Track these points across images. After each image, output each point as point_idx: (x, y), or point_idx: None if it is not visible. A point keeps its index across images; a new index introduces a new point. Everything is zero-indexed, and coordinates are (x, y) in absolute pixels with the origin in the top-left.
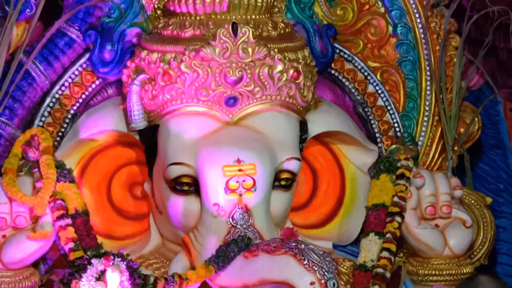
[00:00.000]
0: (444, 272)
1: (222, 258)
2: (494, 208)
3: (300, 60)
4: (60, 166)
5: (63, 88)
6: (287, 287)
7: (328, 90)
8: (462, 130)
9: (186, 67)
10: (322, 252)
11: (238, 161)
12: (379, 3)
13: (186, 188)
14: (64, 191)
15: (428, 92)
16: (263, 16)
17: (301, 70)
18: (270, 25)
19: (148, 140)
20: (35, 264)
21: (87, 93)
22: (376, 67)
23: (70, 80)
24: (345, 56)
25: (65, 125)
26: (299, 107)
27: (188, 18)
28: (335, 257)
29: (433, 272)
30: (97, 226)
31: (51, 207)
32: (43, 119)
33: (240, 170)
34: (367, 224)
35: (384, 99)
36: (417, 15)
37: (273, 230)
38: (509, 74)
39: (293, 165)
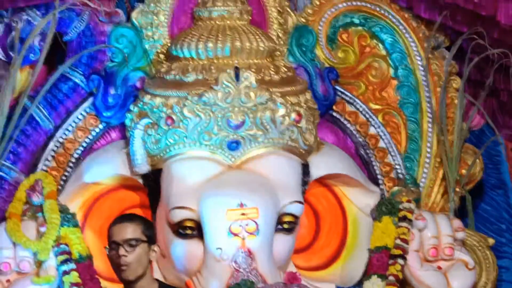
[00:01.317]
0: None
1: None
2: (496, 248)
3: (302, 104)
4: (63, 210)
5: (66, 132)
6: None
7: (330, 132)
8: (463, 171)
9: (189, 112)
10: None
11: (241, 205)
12: (380, 45)
13: (189, 232)
14: (67, 236)
15: (429, 134)
16: (265, 60)
17: (303, 113)
18: (272, 69)
19: (151, 184)
20: None
21: (90, 137)
22: (377, 109)
23: (74, 124)
24: (347, 98)
25: (68, 169)
26: (301, 150)
27: (190, 62)
28: None
29: None
30: (100, 270)
31: (55, 252)
32: (46, 163)
33: (243, 214)
34: (369, 266)
35: (386, 141)
36: (418, 58)
37: (276, 273)
38: (510, 115)
39: (295, 209)
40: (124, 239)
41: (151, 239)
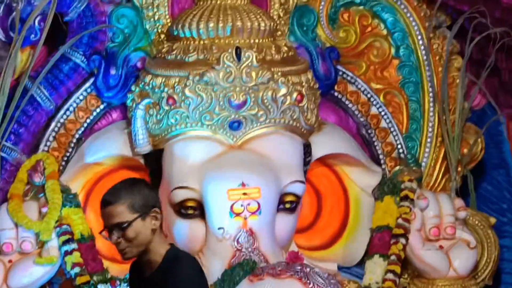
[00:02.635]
0: None
1: (227, 282)
2: (498, 228)
3: (303, 83)
4: (65, 191)
5: (68, 112)
6: None
7: (332, 112)
8: (465, 151)
9: (190, 92)
10: (327, 274)
11: (243, 184)
12: (382, 25)
13: (191, 212)
14: (69, 216)
15: (431, 114)
16: (266, 40)
17: (304, 93)
18: (274, 48)
19: (153, 164)
20: None
21: (91, 117)
22: (379, 88)
23: (75, 105)
24: (348, 78)
25: (70, 150)
26: (302, 130)
27: (192, 42)
28: (340, 279)
29: None
30: (102, 250)
31: (57, 232)
32: (48, 143)
33: (244, 193)
34: (371, 246)
35: (387, 120)
36: (419, 37)
37: (278, 253)
38: (511, 94)
39: (297, 188)
40: (112, 225)
41: (144, 209)
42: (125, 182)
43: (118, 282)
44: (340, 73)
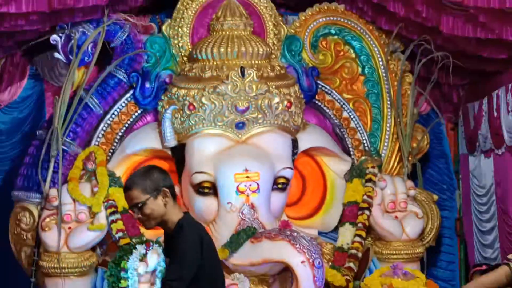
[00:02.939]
0: (402, 252)
1: (234, 244)
2: (439, 203)
3: (292, 94)
4: (111, 175)
5: (113, 116)
6: (283, 265)
7: (313, 116)
8: (414, 145)
9: (206, 100)
10: (310, 238)
11: (246, 170)
12: (351, 50)
13: (207, 190)
14: (114, 194)
15: (388, 117)
16: (264, 61)
17: (292, 101)
18: (269, 68)
19: (177, 155)
20: (93, 249)
21: (131, 119)
22: (349, 98)
23: (118, 110)
24: (326, 90)
25: (115, 144)
26: (291, 129)
27: (207, 63)
28: (320, 241)
29: (394, 252)
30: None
31: (105, 206)
32: (98, 139)
33: (247, 177)
34: (343, 216)
35: (356, 122)
36: (380, 59)
37: (273, 222)
38: (449, 103)
39: (287, 173)
40: (131, 205)
41: (154, 190)
42: (139, 170)
43: (151, 243)
44: (320, 86)
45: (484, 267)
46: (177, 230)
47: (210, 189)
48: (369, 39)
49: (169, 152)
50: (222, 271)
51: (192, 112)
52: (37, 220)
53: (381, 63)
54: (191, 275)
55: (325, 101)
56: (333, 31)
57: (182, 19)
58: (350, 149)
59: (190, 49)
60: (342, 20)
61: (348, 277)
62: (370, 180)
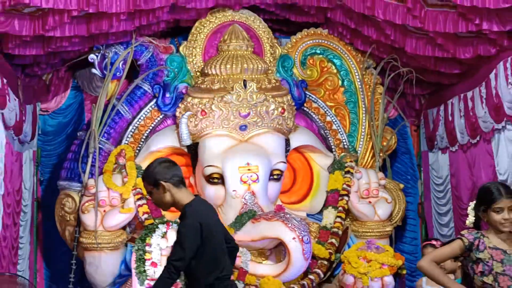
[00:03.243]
0: (375, 230)
1: (238, 224)
2: (405, 190)
3: (285, 102)
4: (138, 168)
5: (140, 120)
6: (278, 241)
7: (302, 120)
8: (384, 143)
9: (215, 107)
10: (299, 219)
11: (248, 164)
12: (333, 66)
13: (216, 180)
14: (141, 183)
15: (363, 121)
16: (262, 75)
17: (285, 108)
18: (267, 81)
19: (192, 151)
20: (124, 228)
21: (154, 123)
22: (331, 105)
23: (144, 115)
24: (312, 99)
25: (141, 143)
26: (285, 130)
27: (216, 77)
28: (308, 222)
29: (368, 230)
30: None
31: (133, 193)
32: (127, 139)
33: (249, 169)
34: (327, 201)
35: (337, 124)
36: (356, 74)
37: (270, 206)
38: (413, 109)
39: (281, 166)
40: (147, 192)
41: (154, 182)
42: (148, 165)
43: (171, 223)
44: (308, 96)
45: (433, 242)
46: (181, 215)
47: (219, 179)
48: (347, 57)
49: (185, 149)
50: (224, 248)
51: (204, 117)
52: (78, 205)
53: (357, 76)
54: (191, 255)
55: (312, 108)
56: (318, 51)
57: (195, 41)
58: (333, 147)
59: (202, 66)
60: (325, 42)
61: (331, 251)
62: (348, 172)
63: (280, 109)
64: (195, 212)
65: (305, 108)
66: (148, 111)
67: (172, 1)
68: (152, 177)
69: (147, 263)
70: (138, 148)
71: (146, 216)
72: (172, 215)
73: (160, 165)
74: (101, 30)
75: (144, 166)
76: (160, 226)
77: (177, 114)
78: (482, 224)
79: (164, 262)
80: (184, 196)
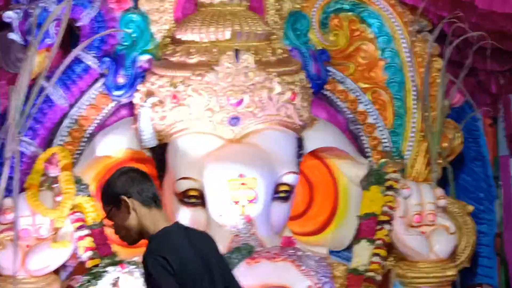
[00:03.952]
0: (430, 275)
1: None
2: (475, 215)
3: (297, 83)
4: (78, 181)
5: (80, 110)
6: None
7: (322, 109)
8: (445, 144)
9: (193, 90)
10: (318, 257)
11: (241, 175)
12: (369, 29)
13: (193, 200)
14: (82, 204)
15: (414, 111)
16: (263, 43)
17: (297, 92)
18: (269, 51)
19: (158, 157)
20: (56, 271)
21: (102, 114)
22: (366, 87)
23: (87, 103)
24: (338, 78)
25: (82, 144)
26: (296, 125)
27: (194, 45)
28: (330, 262)
29: (420, 275)
30: (112, 235)
31: (71, 219)
32: (62, 138)
33: (242, 184)
34: (359, 231)
35: (374, 117)
36: (403, 41)
37: (273, 238)
38: (487, 93)
39: (291, 179)
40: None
41: (112, 200)
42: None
43: (126, 265)
44: (331, 73)
45: None
46: (145, 251)
47: (198, 198)
48: (390, 16)
49: (148, 153)
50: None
51: (176, 105)
52: None
53: (404, 45)
54: None
55: (336, 92)
56: (346, 6)
57: None
58: (367, 149)
59: (174, 28)
60: None
61: None
62: (391, 187)
63: (289, 93)
64: (161, 243)
65: (326, 92)
66: (92, 96)
67: None
68: (111, 191)
69: None
70: (79, 152)
71: (89, 253)
72: (127, 251)
73: (124, 175)
74: None
75: (87, 177)
76: (109, 269)
77: (136, 100)
78: None
79: None
80: (156, 221)
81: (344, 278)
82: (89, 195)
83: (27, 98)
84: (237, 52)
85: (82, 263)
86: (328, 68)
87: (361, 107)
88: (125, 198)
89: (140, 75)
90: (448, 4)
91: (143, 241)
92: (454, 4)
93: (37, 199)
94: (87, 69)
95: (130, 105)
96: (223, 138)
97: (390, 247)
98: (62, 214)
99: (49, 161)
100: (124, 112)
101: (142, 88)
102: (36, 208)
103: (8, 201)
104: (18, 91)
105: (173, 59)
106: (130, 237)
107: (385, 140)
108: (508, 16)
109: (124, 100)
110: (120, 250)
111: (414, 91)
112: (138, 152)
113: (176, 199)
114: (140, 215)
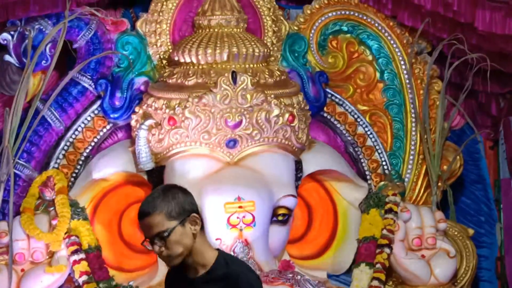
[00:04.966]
0: None
1: None
2: (476, 238)
3: (295, 105)
4: (74, 204)
5: (76, 132)
6: None
7: (321, 132)
8: (445, 167)
9: (190, 113)
10: (317, 282)
11: (239, 198)
12: (367, 51)
13: None
14: (78, 228)
15: (413, 133)
16: (260, 65)
17: (295, 114)
18: (267, 73)
19: (155, 180)
20: None
21: (98, 136)
22: (365, 110)
23: (83, 125)
24: (336, 100)
25: (78, 167)
26: (294, 148)
27: (191, 67)
28: (329, 286)
29: None
30: (108, 259)
31: (66, 243)
32: (58, 161)
33: (240, 207)
34: (358, 255)
35: (373, 139)
36: (402, 62)
37: (271, 262)
38: (487, 115)
39: (289, 202)
40: (153, 235)
41: (181, 215)
42: (159, 190)
43: None
44: (329, 95)
45: None
46: (223, 274)
47: None
48: (389, 37)
49: (145, 176)
50: None
51: (173, 127)
52: None
53: (403, 67)
54: None
55: (335, 114)
56: (345, 28)
57: (160, 14)
58: (367, 172)
59: (171, 50)
60: (356, 14)
61: None
62: (390, 210)
63: (287, 115)
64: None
65: (325, 114)
66: (89, 119)
67: None
68: (181, 205)
69: None
70: (74, 175)
71: (85, 278)
72: (124, 276)
73: (179, 190)
74: None
75: (83, 201)
76: None
77: (133, 123)
78: None
79: None
80: (203, 242)
81: None
82: (85, 219)
83: (22, 121)
84: (234, 74)
85: (78, 287)
86: (327, 90)
87: (360, 130)
88: (197, 215)
89: (137, 97)
90: (448, 26)
91: (139, 265)
92: (454, 26)
93: (32, 223)
94: (83, 91)
95: (127, 128)
96: (221, 161)
97: (389, 271)
98: (57, 238)
99: (44, 184)
100: (120, 134)
101: (138, 110)
102: (31, 232)
103: (3, 225)
104: (13, 113)
105: (170, 81)
106: (175, 260)
107: (385, 163)
108: (508, 38)
109: (121, 123)
110: (117, 275)
111: (413, 113)
112: (135, 175)
113: None
114: (198, 236)
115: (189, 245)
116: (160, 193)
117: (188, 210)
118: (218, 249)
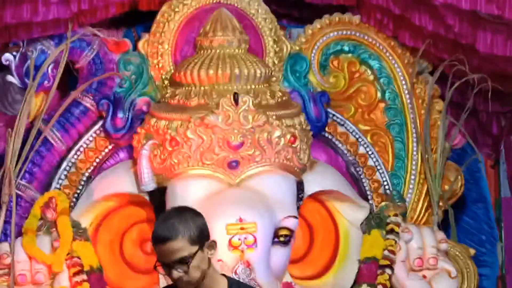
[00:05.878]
0: None
1: None
2: (477, 258)
3: (296, 126)
4: (75, 225)
5: (78, 153)
6: None
7: (323, 152)
8: (446, 187)
9: (192, 134)
10: None
11: (240, 220)
12: (369, 71)
13: None
14: (79, 249)
15: (414, 153)
16: (262, 86)
17: (297, 135)
18: (269, 94)
19: (157, 201)
20: None
21: (100, 157)
22: (366, 130)
23: (85, 146)
24: (338, 120)
25: (80, 187)
26: (295, 168)
27: (193, 88)
28: None
29: None
30: (110, 280)
31: (68, 264)
32: (60, 181)
33: (242, 228)
34: (359, 276)
35: (374, 159)
36: (403, 82)
37: (273, 283)
38: (488, 135)
39: (290, 223)
40: (173, 261)
41: (201, 239)
42: (172, 213)
43: None
44: (331, 115)
45: None
46: None
47: None
48: (390, 57)
49: (147, 197)
50: None
51: (175, 148)
52: None
53: (405, 86)
54: None
55: (337, 134)
56: (346, 48)
57: (162, 34)
58: (368, 192)
59: (173, 71)
60: (357, 34)
61: None
62: (392, 231)
63: (288, 136)
64: None
65: (327, 135)
66: (90, 139)
67: None
68: (200, 228)
69: None
70: (76, 196)
71: None
72: None
73: (196, 213)
74: (20, 18)
75: (85, 222)
76: None
77: (135, 143)
78: None
79: None
80: (216, 271)
81: None
82: (86, 239)
83: (24, 141)
84: (236, 95)
85: None
86: (328, 110)
87: (361, 150)
88: (214, 240)
89: (139, 118)
90: (449, 46)
91: (141, 285)
92: (455, 47)
93: (34, 244)
94: (85, 111)
95: (129, 148)
96: (223, 182)
97: None
98: (59, 259)
99: (46, 205)
100: (122, 155)
101: (140, 131)
102: (33, 253)
103: (4, 246)
104: (15, 133)
105: (172, 102)
106: (194, 284)
107: (386, 183)
108: (509, 59)
109: (123, 143)
110: None
111: (414, 133)
112: (137, 196)
113: None
114: (210, 263)
115: (205, 270)
116: (175, 216)
117: (207, 234)
118: (223, 274)
